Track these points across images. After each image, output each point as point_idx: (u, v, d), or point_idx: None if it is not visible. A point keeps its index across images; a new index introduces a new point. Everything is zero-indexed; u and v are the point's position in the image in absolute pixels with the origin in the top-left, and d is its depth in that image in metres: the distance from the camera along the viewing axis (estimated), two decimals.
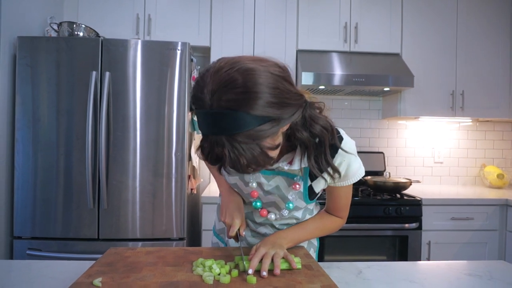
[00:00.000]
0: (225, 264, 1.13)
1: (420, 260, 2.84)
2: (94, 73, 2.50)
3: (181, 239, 2.59)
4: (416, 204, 2.87)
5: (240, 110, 0.81)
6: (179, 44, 2.58)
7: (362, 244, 2.83)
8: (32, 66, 2.51)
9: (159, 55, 2.57)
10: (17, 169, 2.51)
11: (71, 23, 2.74)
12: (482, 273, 1.26)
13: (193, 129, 2.73)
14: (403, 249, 2.84)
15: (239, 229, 1.22)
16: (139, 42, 2.57)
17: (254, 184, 1.19)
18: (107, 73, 2.51)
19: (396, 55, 3.32)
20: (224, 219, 1.24)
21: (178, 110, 2.57)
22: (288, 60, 3.23)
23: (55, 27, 2.78)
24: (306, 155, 1.11)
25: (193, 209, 2.99)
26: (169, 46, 2.58)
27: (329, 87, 3.16)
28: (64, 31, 2.73)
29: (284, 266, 1.11)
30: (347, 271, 1.27)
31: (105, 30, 3.00)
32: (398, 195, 3.00)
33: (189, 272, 1.08)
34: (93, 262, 1.19)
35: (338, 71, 3.07)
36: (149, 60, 2.56)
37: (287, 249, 1.22)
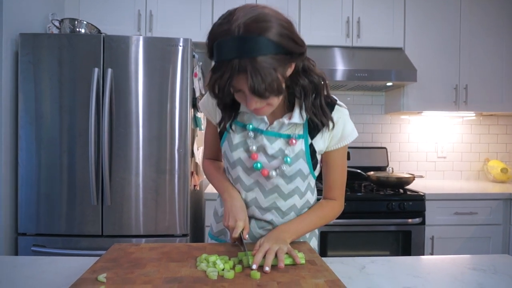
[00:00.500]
0: (229, 259, 1.13)
1: (423, 255, 2.84)
2: (96, 70, 2.50)
3: (184, 235, 2.60)
4: (419, 199, 2.87)
5: (261, 35, 0.99)
6: (181, 40, 2.58)
7: (366, 239, 2.84)
8: (34, 63, 2.51)
9: (161, 51, 2.57)
10: (21, 166, 2.52)
11: (72, 20, 2.75)
12: (486, 267, 1.27)
13: (196, 125, 2.74)
14: (406, 244, 2.84)
15: (242, 233, 1.21)
16: (141, 38, 2.57)
17: (254, 147, 1.25)
18: (109, 70, 2.52)
19: (399, 49, 3.32)
20: (227, 223, 1.23)
21: (180, 107, 2.57)
22: None
23: (57, 24, 2.78)
24: (304, 107, 1.22)
25: (196, 205, 3.00)
26: (171, 42, 2.58)
27: (331, 82, 3.15)
28: (65, 28, 2.73)
29: (288, 261, 1.12)
30: (351, 266, 1.28)
31: (106, 26, 3.00)
32: (401, 190, 3.00)
33: (193, 268, 1.08)
34: (97, 258, 1.20)
35: (340, 66, 3.07)
36: (151, 57, 2.56)
37: (291, 243, 1.24)
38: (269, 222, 1.35)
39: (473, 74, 3.35)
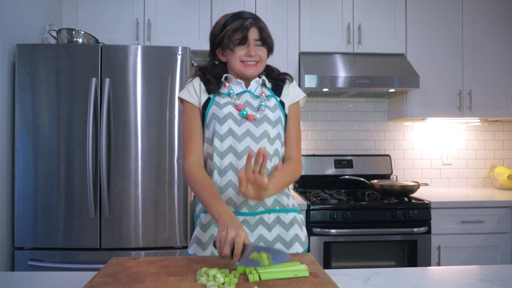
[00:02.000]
0: (230, 273, 1.12)
1: (430, 265, 2.82)
2: (94, 79, 2.51)
3: (184, 247, 2.58)
4: (424, 208, 2.85)
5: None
6: (180, 48, 2.59)
7: (370, 249, 2.82)
8: (32, 74, 2.52)
9: (159, 60, 2.57)
10: (18, 178, 2.52)
11: (70, 30, 2.76)
12: (495, 278, 1.25)
13: None
14: (412, 254, 2.82)
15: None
16: (139, 47, 2.58)
17: (238, 102, 1.52)
18: (107, 80, 2.52)
19: (401, 55, 3.32)
20: (227, 233, 1.17)
21: (179, 116, 2.57)
22: (291, 63, 3.24)
23: (54, 34, 2.79)
24: (272, 75, 1.65)
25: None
26: (170, 51, 2.58)
27: (333, 89, 3.15)
28: (63, 38, 2.74)
29: (291, 274, 1.11)
30: (355, 278, 1.26)
31: (104, 36, 3.01)
32: (406, 199, 2.99)
33: (193, 282, 1.07)
34: (95, 272, 1.19)
35: (342, 73, 3.07)
36: (150, 66, 2.57)
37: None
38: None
39: (477, 80, 3.34)
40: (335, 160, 3.54)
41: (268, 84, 1.62)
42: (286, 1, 3.25)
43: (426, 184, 3.16)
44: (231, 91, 1.55)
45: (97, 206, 2.53)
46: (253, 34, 1.51)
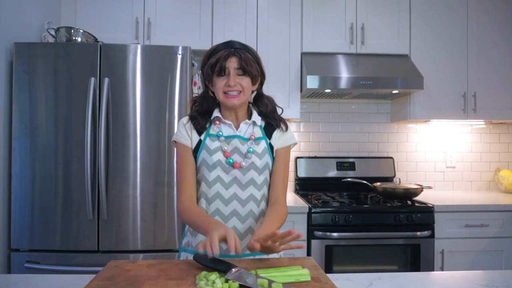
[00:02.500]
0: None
1: (433, 269, 2.82)
2: (92, 79, 2.51)
3: None
4: (428, 211, 2.85)
5: (249, 48, 1.61)
6: (180, 48, 2.59)
7: (372, 253, 2.81)
8: (29, 73, 2.52)
9: (159, 59, 2.57)
10: (15, 179, 2.52)
11: (69, 28, 2.76)
12: (499, 284, 1.25)
13: None
14: (415, 258, 2.81)
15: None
16: (139, 46, 2.58)
17: (226, 148, 1.57)
18: (106, 79, 2.52)
19: (405, 56, 3.32)
20: (214, 235, 1.24)
21: (179, 117, 2.57)
22: (293, 63, 3.23)
23: (53, 32, 2.79)
24: (266, 115, 1.66)
25: None
26: (170, 51, 2.58)
27: (335, 90, 3.15)
28: (61, 37, 2.74)
29: (293, 279, 1.11)
30: (357, 283, 1.26)
31: (103, 35, 3.01)
32: (409, 202, 2.98)
33: (192, 286, 1.07)
34: (93, 275, 1.19)
35: (344, 74, 3.07)
36: (149, 65, 2.57)
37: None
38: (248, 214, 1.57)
39: (482, 81, 3.34)
40: (337, 162, 3.54)
41: (261, 123, 1.66)
42: (288, 0, 3.25)
43: (429, 187, 3.16)
44: (220, 133, 1.59)
45: (95, 208, 2.53)
46: (232, 63, 1.53)
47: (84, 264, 2.50)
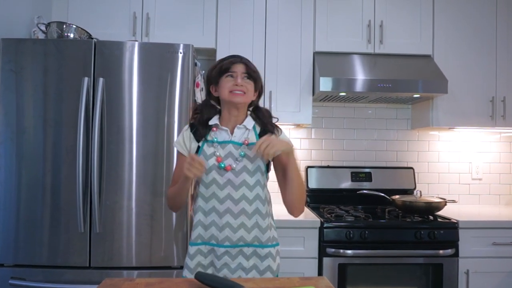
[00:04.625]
0: None
1: None
2: (86, 79, 2.52)
3: (182, 267, 2.56)
4: (451, 227, 2.84)
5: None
6: (181, 46, 2.60)
7: (390, 273, 2.80)
8: (17, 72, 2.53)
9: (158, 58, 2.58)
10: None
11: (60, 24, 2.77)
12: None
13: None
14: (437, 279, 2.80)
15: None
16: (136, 44, 2.59)
17: (218, 153, 1.85)
18: (101, 79, 2.53)
19: (427, 57, 3.31)
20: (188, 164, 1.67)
21: (179, 121, 2.57)
22: (304, 64, 3.24)
23: (43, 28, 2.81)
24: (263, 122, 1.94)
25: None
26: (170, 49, 2.59)
27: (350, 94, 3.15)
28: (52, 33, 2.75)
29: None
30: None
31: (98, 31, 3.02)
32: (431, 217, 2.97)
33: None
34: None
35: (360, 76, 3.06)
36: (148, 64, 2.58)
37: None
38: (241, 224, 1.84)
39: None
40: (352, 173, 3.53)
41: (258, 128, 1.94)
42: None
43: (453, 201, 3.14)
44: (215, 139, 1.88)
45: (87, 220, 2.53)
46: (240, 68, 1.84)
47: (74, 282, 2.50)
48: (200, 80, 2.77)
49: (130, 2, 3.16)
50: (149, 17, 3.16)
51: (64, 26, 2.77)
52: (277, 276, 1.91)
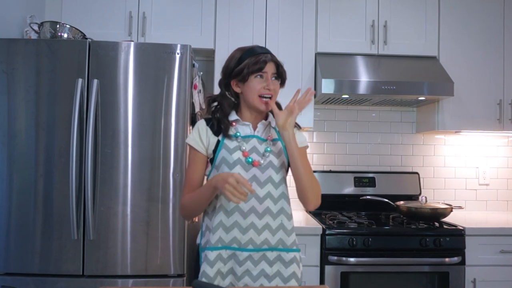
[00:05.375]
0: None
1: None
2: (80, 80, 2.52)
3: (180, 275, 2.57)
4: (458, 235, 2.83)
5: None
6: (179, 46, 2.60)
7: (395, 282, 2.80)
8: (9, 73, 2.53)
9: (155, 59, 2.58)
10: None
11: (53, 23, 2.77)
12: None
13: None
14: None
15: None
16: (132, 44, 2.58)
17: (244, 147, 1.80)
18: (95, 81, 2.53)
19: (433, 58, 3.32)
20: (225, 180, 1.58)
21: (176, 124, 2.57)
22: (306, 65, 3.24)
23: (36, 27, 2.81)
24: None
25: (194, 240, 2.97)
26: (167, 49, 2.59)
27: (353, 96, 3.15)
28: (45, 32, 2.75)
29: None
30: None
31: (93, 30, 3.02)
32: (437, 224, 2.97)
33: None
34: None
35: (364, 78, 3.06)
36: (144, 66, 2.57)
37: None
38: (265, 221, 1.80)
39: None
40: (355, 178, 3.53)
41: (273, 122, 1.88)
42: None
43: (460, 207, 3.14)
44: (238, 134, 1.83)
45: (80, 226, 2.52)
46: (270, 68, 1.79)
47: None
48: (198, 81, 2.77)
49: (126, 1, 3.16)
50: (146, 17, 3.16)
51: (58, 26, 2.77)
52: (301, 285, 1.87)
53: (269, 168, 1.81)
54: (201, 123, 1.87)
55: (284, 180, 1.86)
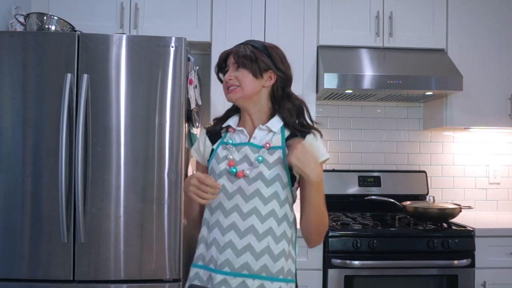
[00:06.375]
0: None
1: None
2: (69, 75, 2.50)
3: (175, 280, 2.57)
4: (467, 236, 2.84)
5: (259, 41, 1.83)
6: (173, 39, 2.58)
7: (401, 285, 2.81)
8: None
9: (148, 53, 2.57)
10: None
11: (40, 15, 2.76)
12: None
13: (190, 144, 2.73)
14: None
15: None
16: (124, 37, 2.57)
17: (231, 156, 1.72)
18: (85, 76, 2.51)
19: (441, 51, 3.32)
20: (189, 184, 1.58)
21: (171, 121, 2.56)
22: (307, 59, 3.24)
23: (21, 19, 2.80)
24: (290, 125, 1.76)
25: (190, 243, 2.96)
26: (161, 42, 2.58)
27: (357, 91, 3.15)
28: (32, 25, 2.74)
29: None
30: None
31: (82, 23, 3.02)
32: (445, 225, 2.98)
33: None
34: None
35: (368, 72, 3.06)
36: (136, 60, 2.56)
37: None
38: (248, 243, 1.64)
39: None
40: (359, 177, 3.53)
41: (286, 132, 1.76)
42: None
43: (469, 207, 3.14)
44: (230, 141, 1.77)
45: (71, 229, 2.51)
46: (230, 60, 1.74)
47: None
48: (193, 76, 2.76)
49: None
50: (138, 8, 3.15)
51: (45, 18, 2.76)
52: None
53: (257, 181, 1.66)
54: (202, 131, 1.90)
55: (277, 195, 1.67)
